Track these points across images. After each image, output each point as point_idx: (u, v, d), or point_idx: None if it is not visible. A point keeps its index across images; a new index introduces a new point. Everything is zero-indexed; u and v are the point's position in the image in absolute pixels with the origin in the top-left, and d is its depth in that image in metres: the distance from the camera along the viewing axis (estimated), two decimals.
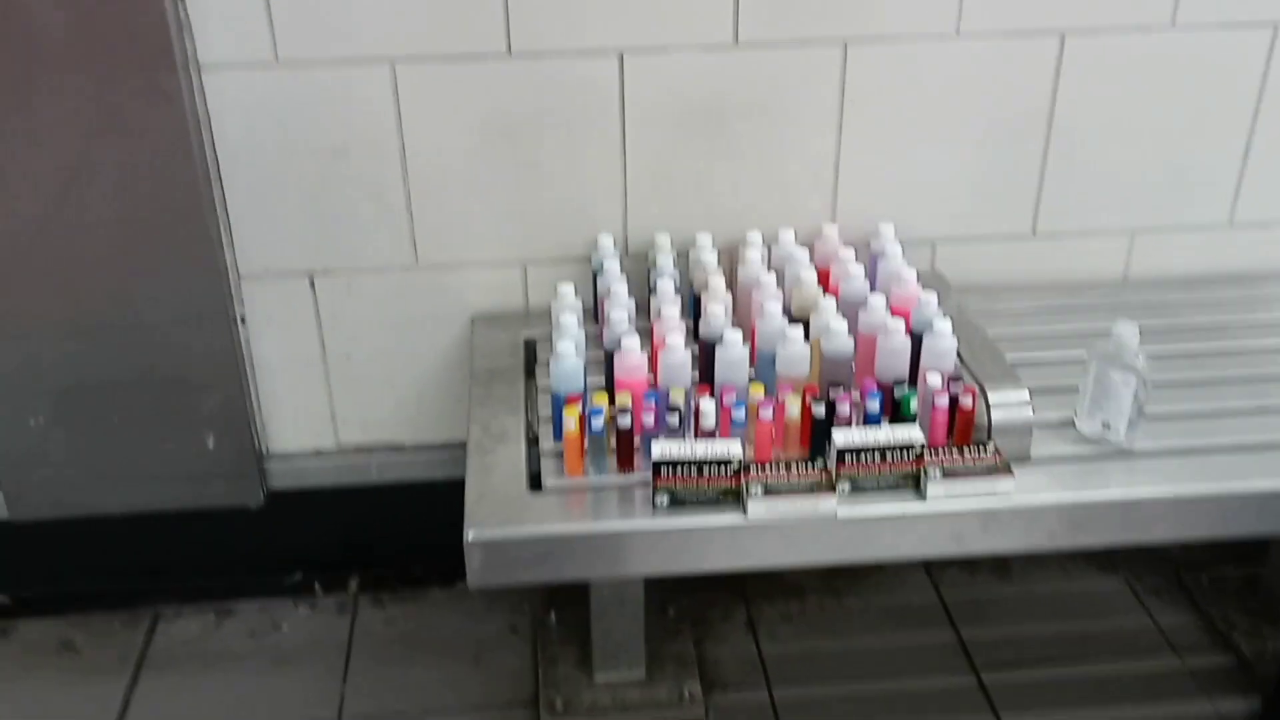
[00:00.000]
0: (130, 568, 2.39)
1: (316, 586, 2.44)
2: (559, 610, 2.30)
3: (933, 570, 2.38)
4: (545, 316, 2.15)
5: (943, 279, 2.14)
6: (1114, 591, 2.36)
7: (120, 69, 1.91)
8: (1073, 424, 1.84)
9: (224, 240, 2.09)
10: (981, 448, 1.72)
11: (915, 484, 1.70)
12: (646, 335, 1.92)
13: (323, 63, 1.97)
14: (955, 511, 1.68)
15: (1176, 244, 2.27)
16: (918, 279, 1.95)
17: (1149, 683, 2.17)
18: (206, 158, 2.02)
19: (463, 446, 2.25)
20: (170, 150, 1.98)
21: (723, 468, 1.65)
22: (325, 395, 2.26)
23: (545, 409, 1.91)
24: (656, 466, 1.65)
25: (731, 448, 1.66)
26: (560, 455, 1.78)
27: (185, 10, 1.91)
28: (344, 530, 2.40)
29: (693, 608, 2.32)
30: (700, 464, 1.65)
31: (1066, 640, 2.25)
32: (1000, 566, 2.40)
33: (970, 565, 2.38)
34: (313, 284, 2.15)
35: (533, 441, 1.85)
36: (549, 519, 1.68)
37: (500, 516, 1.67)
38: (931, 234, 2.22)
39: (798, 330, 1.80)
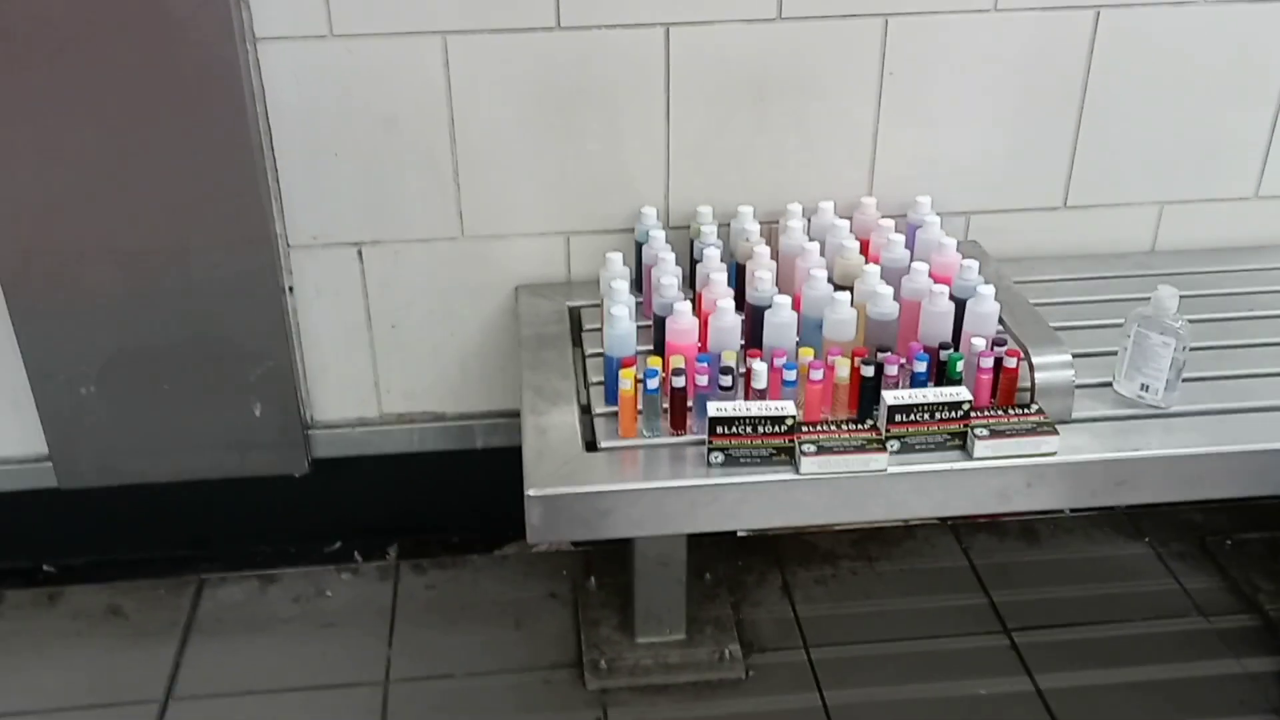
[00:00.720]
0: (176, 535, 2.43)
1: (356, 554, 2.48)
2: (598, 577, 2.34)
3: (962, 536, 2.43)
4: (588, 286, 2.21)
5: (980, 248, 2.19)
6: (1140, 556, 2.41)
7: (179, 41, 1.95)
8: (1111, 387, 1.89)
9: (274, 210, 2.13)
10: (1025, 408, 1.77)
11: (962, 442, 1.74)
12: (692, 304, 1.96)
13: (375, 36, 2.01)
14: (1001, 468, 1.73)
15: (1204, 215, 2.32)
16: (957, 248, 2.00)
17: (1177, 642, 2.22)
18: (260, 129, 2.05)
19: (504, 415, 2.35)
20: (226, 121, 2.01)
21: (776, 425, 1.69)
22: (370, 365, 2.30)
23: (595, 374, 1.96)
24: (712, 424, 1.69)
25: (785, 406, 1.70)
26: (613, 417, 1.83)
27: None
28: (386, 498, 2.44)
29: (730, 573, 2.36)
30: (754, 421, 1.69)
31: (1095, 603, 2.30)
32: (1028, 532, 2.44)
33: (999, 531, 2.43)
34: (360, 254, 2.19)
35: (584, 406, 1.90)
36: (606, 477, 1.72)
37: (559, 475, 1.71)
38: (966, 206, 2.26)
39: (845, 295, 1.84)
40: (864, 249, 2.07)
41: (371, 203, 2.15)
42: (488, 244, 2.21)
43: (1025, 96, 2.17)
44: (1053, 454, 1.73)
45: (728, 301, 1.83)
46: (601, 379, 1.92)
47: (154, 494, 2.32)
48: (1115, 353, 1.88)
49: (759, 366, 1.75)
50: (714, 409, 1.70)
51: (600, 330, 2.04)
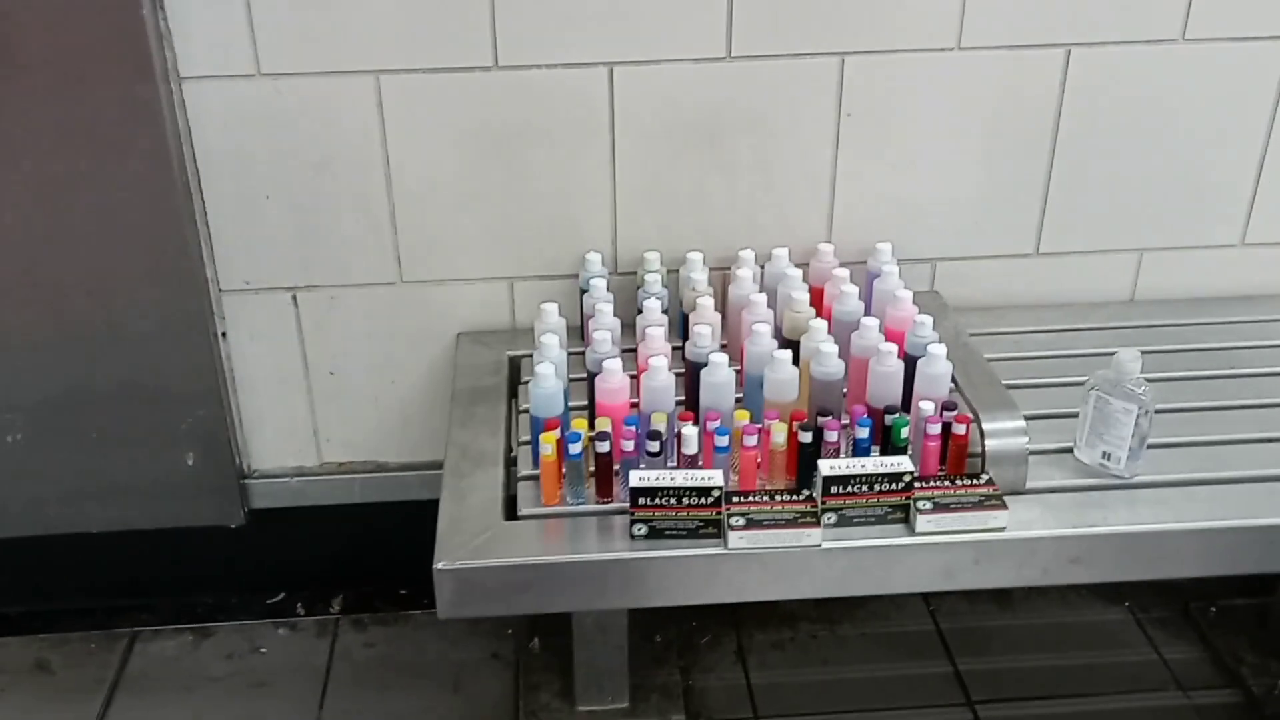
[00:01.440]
0: (108, 586, 2.34)
1: (298, 607, 2.38)
2: (543, 637, 2.23)
3: (930, 598, 2.31)
4: (532, 334, 2.10)
5: (940, 300, 2.08)
6: (1118, 623, 2.29)
7: (98, 79, 1.87)
8: (1072, 453, 1.77)
9: (205, 254, 2.04)
10: (975, 478, 1.66)
11: (905, 515, 1.63)
12: (634, 356, 1.86)
13: (306, 75, 1.92)
14: (945, 544, 1.62)
15: (1186, 264, 2.20)
16: (914, 300, 1.89)
17: (1152, 719, 2.09)
18: (187, 170, 1.97)
19: None
20: (149, 163, 1.93)
21: (703, 496, 1.59)
22: (308, 413, 2.21)
23: (526, 431, 1.85)
24: (634, 494, 1.59)
25: (712, 476, 1.59)
26: (538, 482, 1.73)
27: (165, 21, 1.87)
28: (326, 550, 2.35)
29: (681, 635, 2.25)
30: (679, 492, 1.58)
31: (1068, 673, 2.17)
32: (1000, 595, 2.32)
33: (969, 594, 2.31)
34: (295, 299, 2.10)
35: (511, 464, 1.80)
36: (523, 548, 1.62)
37: (472, 545, 1.61)
38: (931, 253, 2.15)
39: (786, 354, 1.74)
40: (818, 299, 1.97)
41: (306, 247, 2.06)
42: (428, 289, 2.12)
43: (993, 138, 2.06)
44: (1001, 529, 1.62)
45: (661, 359, 1.73)
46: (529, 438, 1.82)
47: (85, 544, 2.24)
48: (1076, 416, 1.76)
49: (689, 431, 1.65)
50: (636, 478, 1.59)
51: None
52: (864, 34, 1.96)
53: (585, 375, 1.82)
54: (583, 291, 2.05)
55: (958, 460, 1.70)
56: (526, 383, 1.96)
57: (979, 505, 1.61)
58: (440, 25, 1.90)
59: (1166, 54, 2.01)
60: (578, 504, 1.69)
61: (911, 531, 1.62)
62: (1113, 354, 1.70)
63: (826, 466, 1.61)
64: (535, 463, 1.75)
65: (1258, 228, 2.18)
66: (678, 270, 2.05)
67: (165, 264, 2.01)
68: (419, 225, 2.06)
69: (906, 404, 1.75)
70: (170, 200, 1.96)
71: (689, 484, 1.58)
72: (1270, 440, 1.81)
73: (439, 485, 2.22)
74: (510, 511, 1.69)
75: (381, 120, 1.97)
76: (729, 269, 2.04)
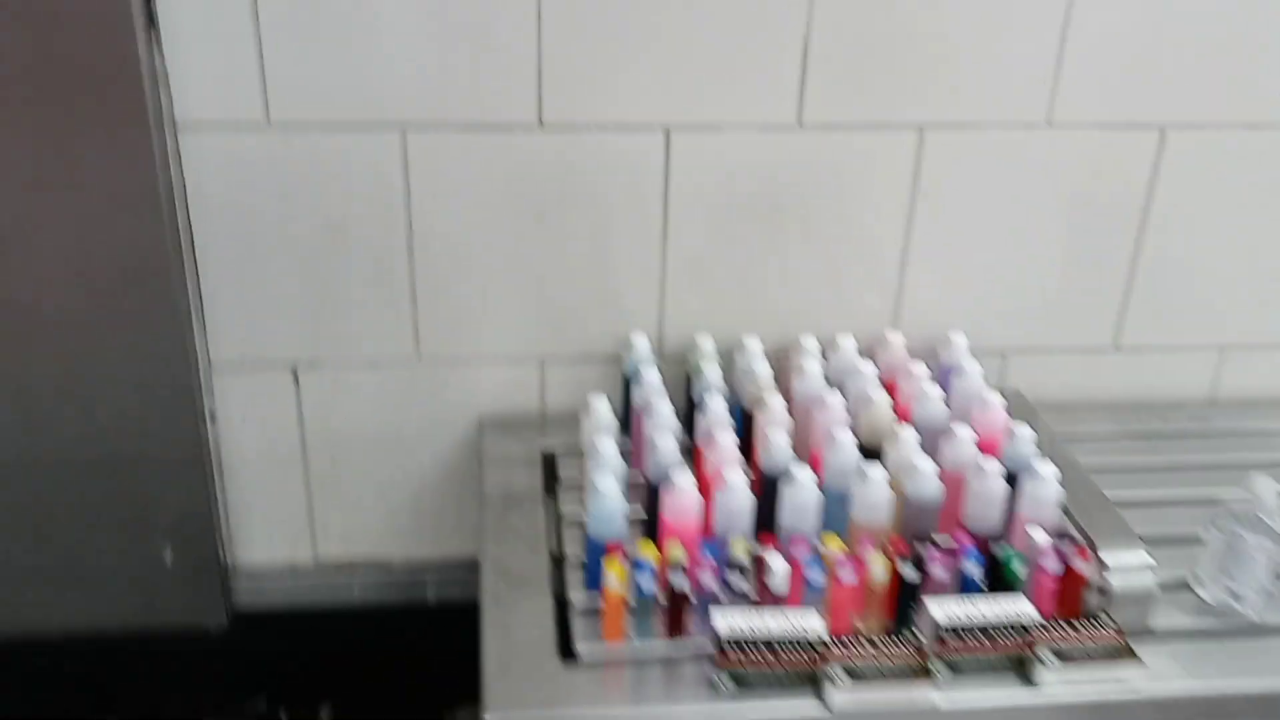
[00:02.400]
0: (76, 694, 2.05)
1: (282, 715, 2.11)
2: None
3: None
4: (565, 422, 1.88)
5: (1025, 401, 1.88)
6: None
7: (81, 123, 1.61)
8: (1187, 586, 1.58)
9: (195, 323, 1.78)
10: (1096, 622, 1.46)
11: (1022, 668, 1.42)
12: (688, 455, 1.64)
13: (322, 125, 1.68)
14: (1070, 703, 1.41)
15: (1272, 361, 2.03)
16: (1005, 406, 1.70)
17: None
18: (179, 228, 1.71)
19: (462, 565, 2.00)
20: (136, 217, 1.67)
21: (800, 647, 1.37)
22: (304, 503, 1.95)
23: (573, 545, 1.62)
24: (721, 643, 1.36)
25: (810, 622, 1.38)
26: (595, 612, 1.49)
27: (162, 59, 1.61)
28: (319, 656, 2.08)
29: None
30: (774, 643, 1.36)
31: None
32: None
33: None
34: (296, 376, 1.85)
35: (559, 585, 1.56)
36: (587, 698, 1.39)
37: (527, 695, 1.38)
38: (1002, 343, 1.96)
39: (880, 472, 1.52)
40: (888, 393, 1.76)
41: (311, 318, 1.81)
42: (448, 369, 1.87)
43: (1078, 222, 1.88)
44: (1133, 684, 1.42)
45: (736, 474, 1.51)
46: (582, 556, 1.59)
47: (48, 647, 1.95)
48: (1184, 538, 1.58)
49: (777, 565, 1.43)
50: (725, 626, 1.37)
51: (581, 488, 1.72)
52: (948, 105, 1.76)
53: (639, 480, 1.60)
54: (627, 378, 1.82)
55: (1073, 600, 1.50)
56: (570, 486, 1.75)
57: (1108, 657, 1.42)
58: (479, 76, 1.67)
59: (1265, 139, 1.84)
60: (644, 642, 1.46)
61: (1031, 685, 1.41)
62: (1203, 463, 1.51)
63: (941, 613, 1.40)
64: (590, 585, 1.53)
65: None
66: (729, 354, 1.83)
67: (149, 333, 1.75)
68: (442, 297, 1.82)
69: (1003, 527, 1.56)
70: (159, 261, 1.70)
71: (786, 635, 1.36)
72: None
73: (451, 586, 2.02)
74: (565, 649, 1.45)
75: (406, 179, 1.73)
76: (787, 355, 1.83)
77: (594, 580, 1.52)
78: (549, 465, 1.82)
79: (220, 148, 1.68)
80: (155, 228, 1.68)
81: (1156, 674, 1.43)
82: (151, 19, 1.59)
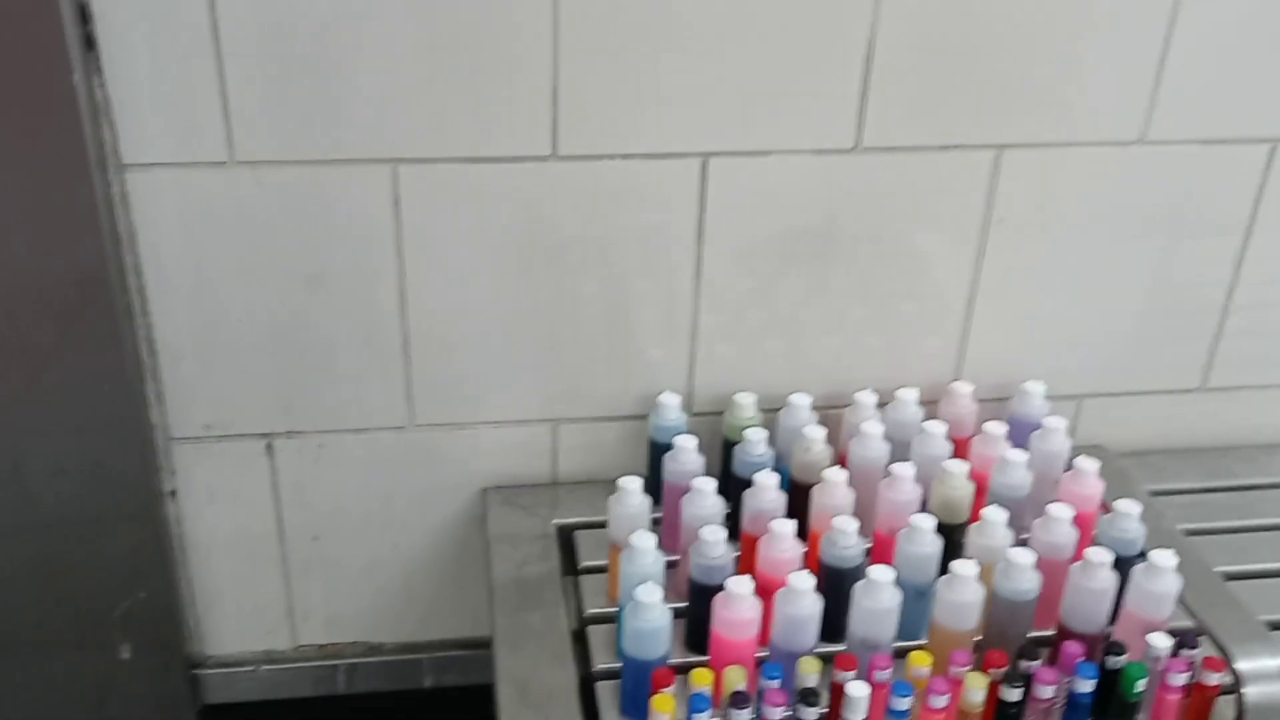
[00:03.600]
0: None
1: None
2: None
3: None
4: (581, 491, 1.66)
5: (1114, 459, 1.64)
6: None
7: (6, 165, 1.34)
8: None
9: (150, 393, 1.52)
10: None
11: None
12: (731, 538, 1.40)
13: (298, 164, 1.42)
14: None
15: None
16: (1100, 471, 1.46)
17: None
18: (129, 285, 1.45)
19: (461, 646, 1.78)
20: (74, 270, 1.41)
21: None
22: (281, 587, 1.70)
23: (600, 652, 1.38)
24: None
25: None
26: None
27: (104, 89, 1.35)
28: None
29: None
30: None
31: None
32: None
33: None
34: (270, 448, 1.59)
35: (589, 708, 1.32)
36: None
37: None
38: (1077, 389, 1.72)
39: (970, 567, 1.29)
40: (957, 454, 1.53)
41: (287, 383, 1.55)
42: (446, 435, 1.62)
43: (1169, 251, 1.64)
44: None
45: (805, 579, 1.26)
46: (615, 667, 1.35)
47: None
48: None
49: (856, 691, 1.19)
50: None
51: (604, 570, 1.49)
52: (1029, 122, 1.52)
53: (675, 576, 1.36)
54: (654, 443, 1.58)
55: (1201, 717, 1.27)
56: (592, 568, 1.51)
57: None
58: (482, 100, 1.42)
59: None
60: None
61: None
62: None
63: None
64: (628, 709, 1.29)
65: None
66: (773, 412, 1.59)
67: (97, 406, 1.49)
68: (439, 355, 1.57)
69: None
70: (105, 324, 1.44)
71: None
72: None
73: (449, 669, 1.79)
74: None
75: (397, 222, 1.47)
76: (838, 409, 1.60)
77: (632, 706, 1.29)
78: (565, 543, 1.57)
79: (175, 190, 1.42)
80: (99, 288, 1.42)
81: None
82: (90, 42, 1.32)
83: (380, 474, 1.63)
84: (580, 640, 1.41)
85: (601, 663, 1.37)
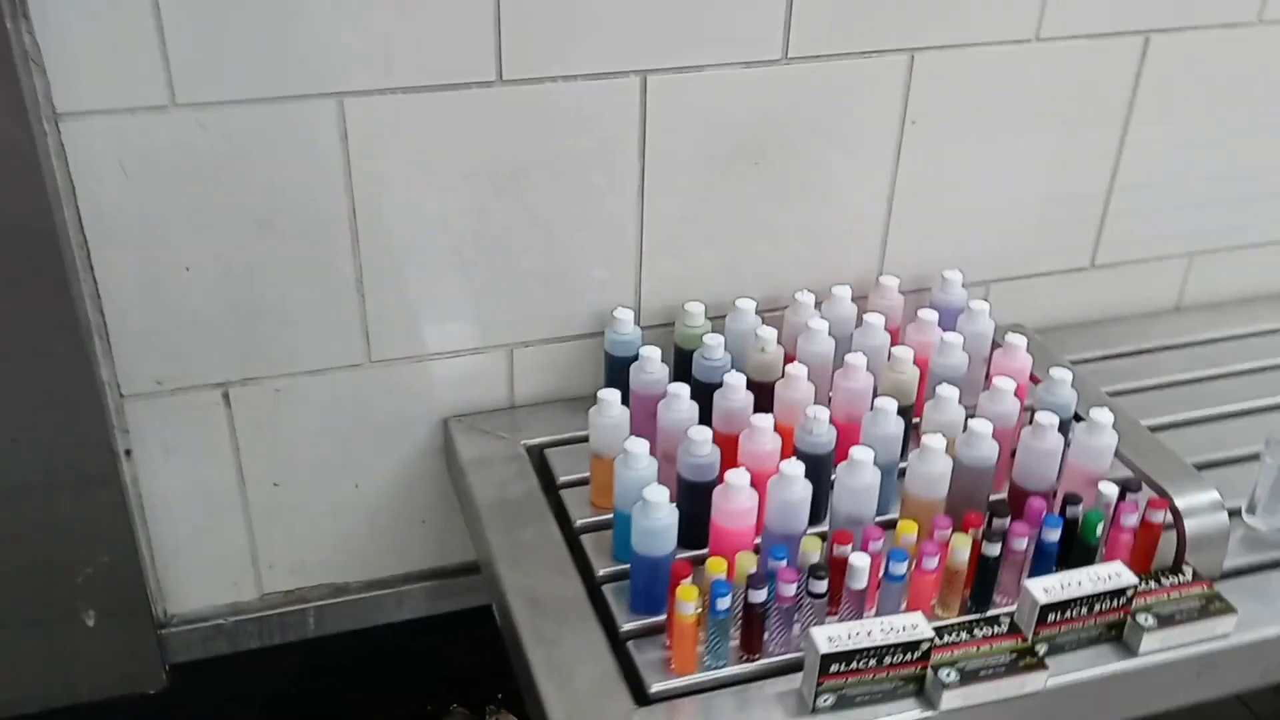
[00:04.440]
0: None
1: None
2: None
3: None
4: (540, 412, 1.71)
5: (1037, 339, 1.77)
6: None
7: None
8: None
9: (98, 350, 1.48)
10: (1181, 575, 1.38)
11: (1119, 634, 1.34)
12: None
13: (242, 104, 1.39)
14: (1169, 662, 1.34)
15: (1235, 264, 2.00)
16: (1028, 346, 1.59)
17: None
18: (71, 240, 1.40)
19: (427, 577, 1.81)
20: (17, 230, 1.36)
21: (909, 652, 1.23)
22: (245, 537, 1.69)
23: (598, 555, 1.44)
24: (825, 662, 1.21)
25: (918, 625, 1.24)
26: (652, 639, 1.33)
27: (32, 35, 1.29)
28: (274, 699, 1.84)
29: None
30: (881, 652, 1.22)
31: None
32: None
33: None
34: (227, 397, 1.57)
35: (602, 610, 1.38)
36: None
37: None
38: (988, 274, 1.85)
39: (938, 440, 1.39)
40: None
41: (241, 329, 1.53)
42: (404, 368, 1.63)
43: (1062, 141, 1.78)
44: (1227, 635, 1.35)
45: (795, 464, 1.34)
46: (616, 570, 1.41)
47: None
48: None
49: (858, 561, 1.28)
50: (825, 641, 1.22)
51: (584, 483, 1.54)
52: (938, 26, 1.62)
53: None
54: (610, 357, 1.63)
55: (1148, 553, 1.42)
56: (572, 482, 1.56)
57: (1205, 613, 1.34)
58: (426, 29, 1.42)
59: (1241, 38, 1.78)
60: (719, 667, 1.30)
61: (1132, 653, 1.33)
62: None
63: (1040, 591, 1.29)
64: (640, 608, 1.35)
65: None
66: (719, 320, 1.67)
67: (43, 368, 1.44)
68: (394, 290, 1.57)
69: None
70: (48, 280, 1.39)
71: (894, 640, 1.22)
72: None
73: (416, 601, 1.82)
74: (635, 686, 1.28)
75: (346, 157, 1.46)
76: (778, 312, 1.68)
77: (643, 603, 1.35)
78: (539, 463, 1.61)
79: (114, 138, 1.37)
80: (43, 240, 1.37)
81: (1242, 620, 1.36)
82: None
83: (340, 414, 1.63)
84: (574, 550, 1.46)
85: (603, 568, 1.42)
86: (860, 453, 1.36)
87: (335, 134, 1.45)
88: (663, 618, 1.34)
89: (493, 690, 2.02)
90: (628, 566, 1.39)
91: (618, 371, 1.61)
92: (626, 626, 1.34)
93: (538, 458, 1.62)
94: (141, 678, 1.69)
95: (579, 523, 1.50)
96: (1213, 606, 1.34)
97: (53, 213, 1.36)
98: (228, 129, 1.40)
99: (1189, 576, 1.38)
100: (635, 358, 1.57)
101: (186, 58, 1.35)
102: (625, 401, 1.49)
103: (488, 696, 2.02)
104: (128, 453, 1.57)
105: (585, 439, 1.59)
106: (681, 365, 1.62)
